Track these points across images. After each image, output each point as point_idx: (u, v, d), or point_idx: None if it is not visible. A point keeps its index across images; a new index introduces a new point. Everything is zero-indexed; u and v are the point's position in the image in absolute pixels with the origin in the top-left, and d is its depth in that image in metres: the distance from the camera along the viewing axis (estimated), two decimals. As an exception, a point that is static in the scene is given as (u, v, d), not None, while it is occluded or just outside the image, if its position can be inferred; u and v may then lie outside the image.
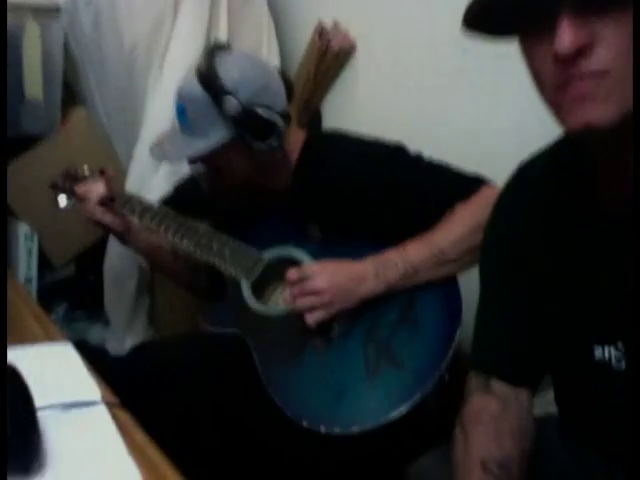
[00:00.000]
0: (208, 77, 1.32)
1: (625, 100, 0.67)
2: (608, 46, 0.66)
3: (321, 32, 2.07)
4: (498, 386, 0.97)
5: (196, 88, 1.33)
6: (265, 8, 2.15)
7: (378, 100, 2.04)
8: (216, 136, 1.35)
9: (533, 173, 0.95)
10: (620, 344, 0.83)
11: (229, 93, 1.30)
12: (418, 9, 1.80)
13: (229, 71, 1.32)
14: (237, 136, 1.34)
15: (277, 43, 2.16)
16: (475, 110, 1.69)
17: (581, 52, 0.67)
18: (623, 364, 0.83)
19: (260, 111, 1.31)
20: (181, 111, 1.39)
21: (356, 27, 2.05)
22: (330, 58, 2.08)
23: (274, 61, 2.10)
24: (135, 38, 1.89)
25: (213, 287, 1.60)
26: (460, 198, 1.28)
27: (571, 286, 0.89)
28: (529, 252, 0.93)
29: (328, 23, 2.08)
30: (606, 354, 0.84)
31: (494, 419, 0.95)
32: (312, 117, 2.19)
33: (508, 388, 0.97)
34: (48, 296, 1.79)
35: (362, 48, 2.06)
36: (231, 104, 1.30)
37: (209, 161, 1.43)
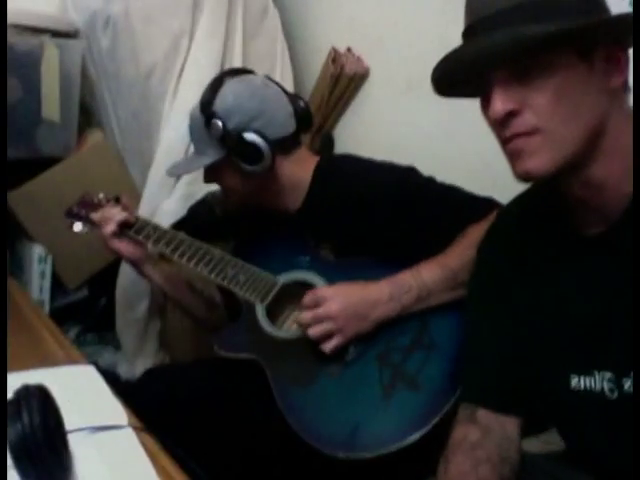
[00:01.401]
0: (204, 101, 1.40)
1: (556, 151, 0.82)
2: (534, 110, 0.81)
3: (334, 57, 2.10)
4: (482, 414, 0.99)
5: (196, 111, 1.42)
6: (280, 34, 2.18)
7: (391, 125, 2.06)
8: (208, 156, 1.42)
9: (512, 213, 1.05)
10: (599, 373, 0.88)
11: (218, 117, 1.37)
12: (431, 33, 1.81)
13: (225, 97, 1.39)
14: (225, 157, 1.40)
15: (291, 69, 2.19)
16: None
17: (512, 116, 0.81)
18: (616, 394, 0.86)
19: (247, 136, 1.36)
20: (188, 131, 1.48)
21: (370, 52, 2.07)
22: (343, 83, 2.10)
23: (287, 86, 2.10)
24: (151, 61, 1.90)
25: (229, 311, 1.60)
26: (472, 220, 1.29)
27: (547, 317, 0.94)
28: (511, 284, 0.99)
29: (342, 49, 2.10)
30: (581, 383, 0.89)
31: (472, 447, 0.96)
32: (324, 142, 2.20)
33: (492, 416, 0.98)
34: (60, 318, 1.76)
35: (375, 73, 2.08)
36: (217, 127, 1.37)
37: (213, 180, 1.50)
